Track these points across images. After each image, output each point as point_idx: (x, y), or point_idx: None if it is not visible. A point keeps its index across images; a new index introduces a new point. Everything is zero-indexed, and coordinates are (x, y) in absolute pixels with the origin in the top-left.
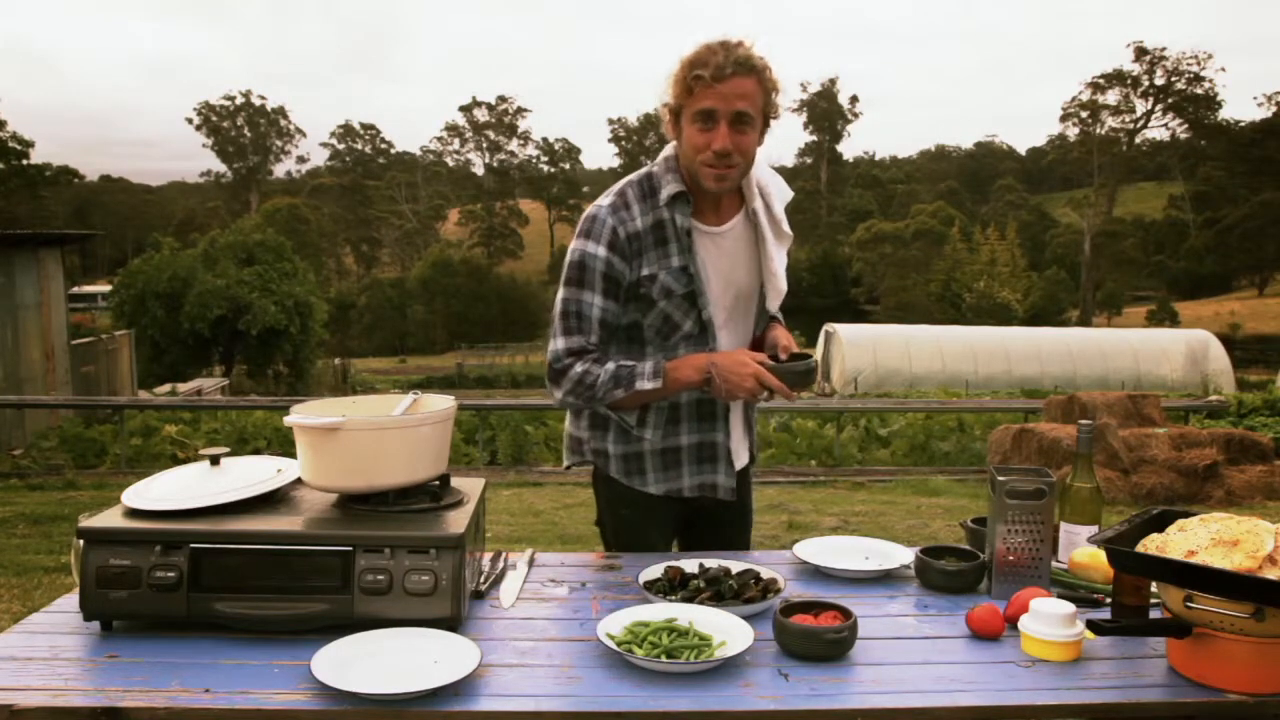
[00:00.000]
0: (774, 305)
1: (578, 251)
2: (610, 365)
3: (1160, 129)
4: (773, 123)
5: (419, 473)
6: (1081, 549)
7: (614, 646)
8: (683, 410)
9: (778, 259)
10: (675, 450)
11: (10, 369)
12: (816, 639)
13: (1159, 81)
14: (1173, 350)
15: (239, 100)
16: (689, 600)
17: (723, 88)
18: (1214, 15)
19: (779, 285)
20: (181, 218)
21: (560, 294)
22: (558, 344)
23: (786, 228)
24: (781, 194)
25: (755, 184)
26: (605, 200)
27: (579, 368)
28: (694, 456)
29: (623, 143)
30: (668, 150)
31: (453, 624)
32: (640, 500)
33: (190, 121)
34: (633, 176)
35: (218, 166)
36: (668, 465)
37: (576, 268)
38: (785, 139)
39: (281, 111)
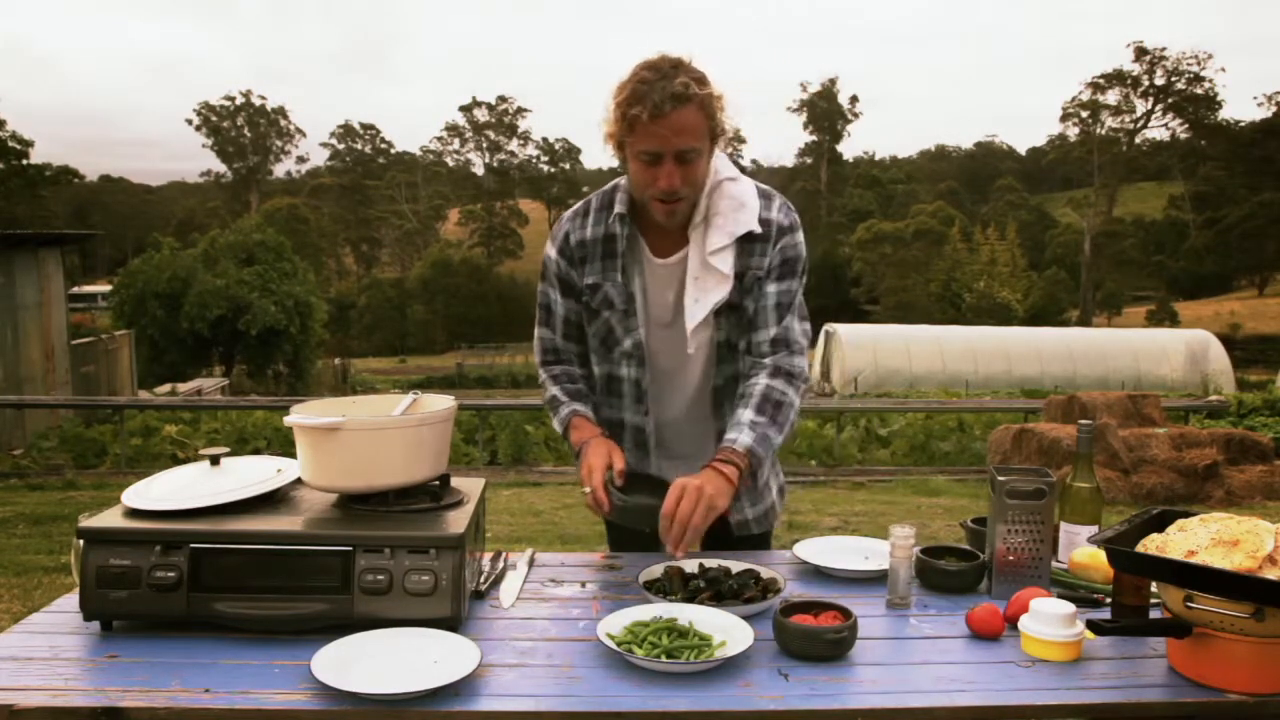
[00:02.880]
0: (690, 346)
1: (545, 251)
2: (557, 390)
3: (1160, 129)
4: (723, 137)
5: (419, 473)
6: (1081, 549)
7: (614, 646)
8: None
9: (690, 295)
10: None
11: (10, 369)
12: (816, 639)
13: (1159, 81)
14: (1173, 350)
15: (239, 100)
16: (689, 600)
17: (662, 126)
18: (1214, 15)
19: (685, 324)
20: (181, 218)
21: (539, 286)
22: (537, 330)
23: (719, 263)
24: (730, 228)
25: (702, 213)
26: (575, 205)
27: (543, 373)
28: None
29: None
30: None
31: (453, 624)
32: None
33: (190, 122)
34: (604, 188)
35: (218, 166)
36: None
37: (543, 265)
38: (785, 139)
39: (281, 111)
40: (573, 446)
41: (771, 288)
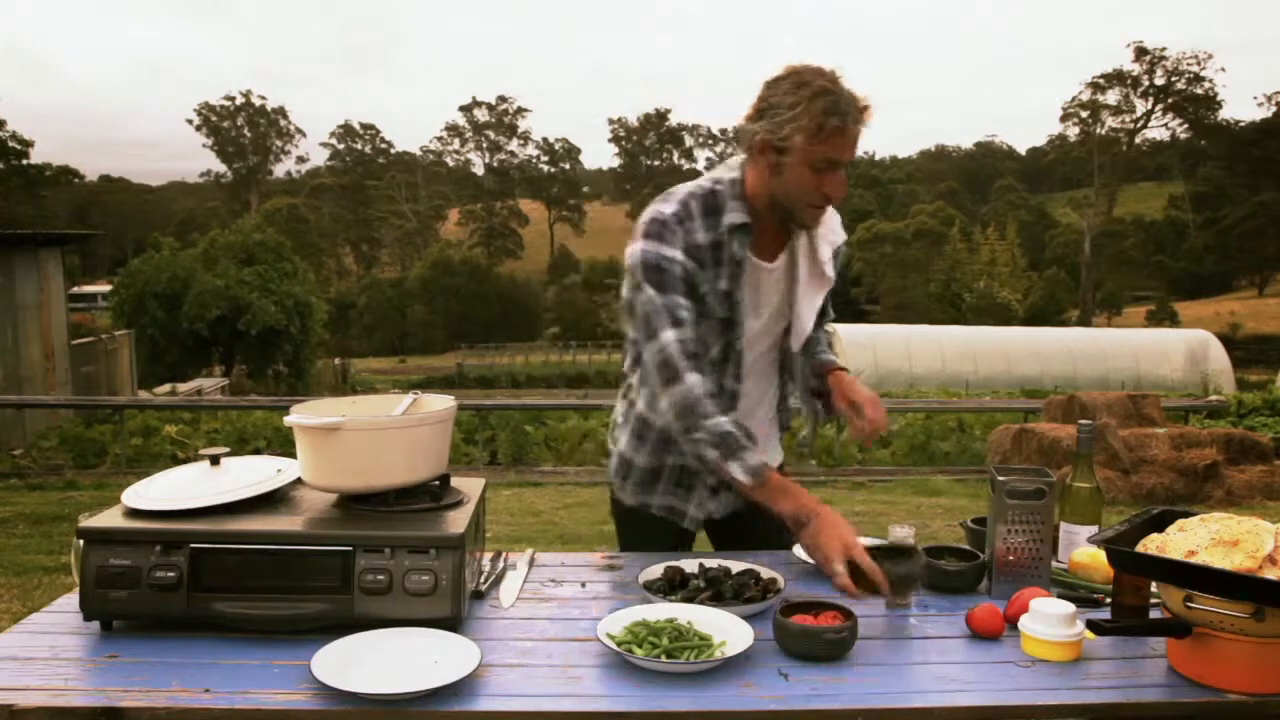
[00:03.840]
0: (795, 345)
1: (652, 255)
2: (724, 421)
3: (1160, 129)
4: None
5: (419, 473)
6: (1081, 549)
7: (614, 646)
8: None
9: (805, 300)
10: (657, 469)
11: (10, 369)
12: (816, 639)
13: (1159, 81)
14: (1173, 350)
15: (239, 100)
16: (689, 600)
17: (849, 137)
18: (1214, 15)
19: (802, 327)
20: (181, 218)
21: (641, 297)
22: (667, 333)
23: (830, 271)
24: (830, 238)
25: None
26: (669, 208)
27: (697, 390)
28: (673, 477)
29: (623, 143)
30: (732, 173)
31: (453, 624)
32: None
33: (190, 122)
34: (694, 189)
35: (218, 166)
36: (644, 480)
37: (654, 270)
38: None
39: (281, 111)
40: (767, 501)
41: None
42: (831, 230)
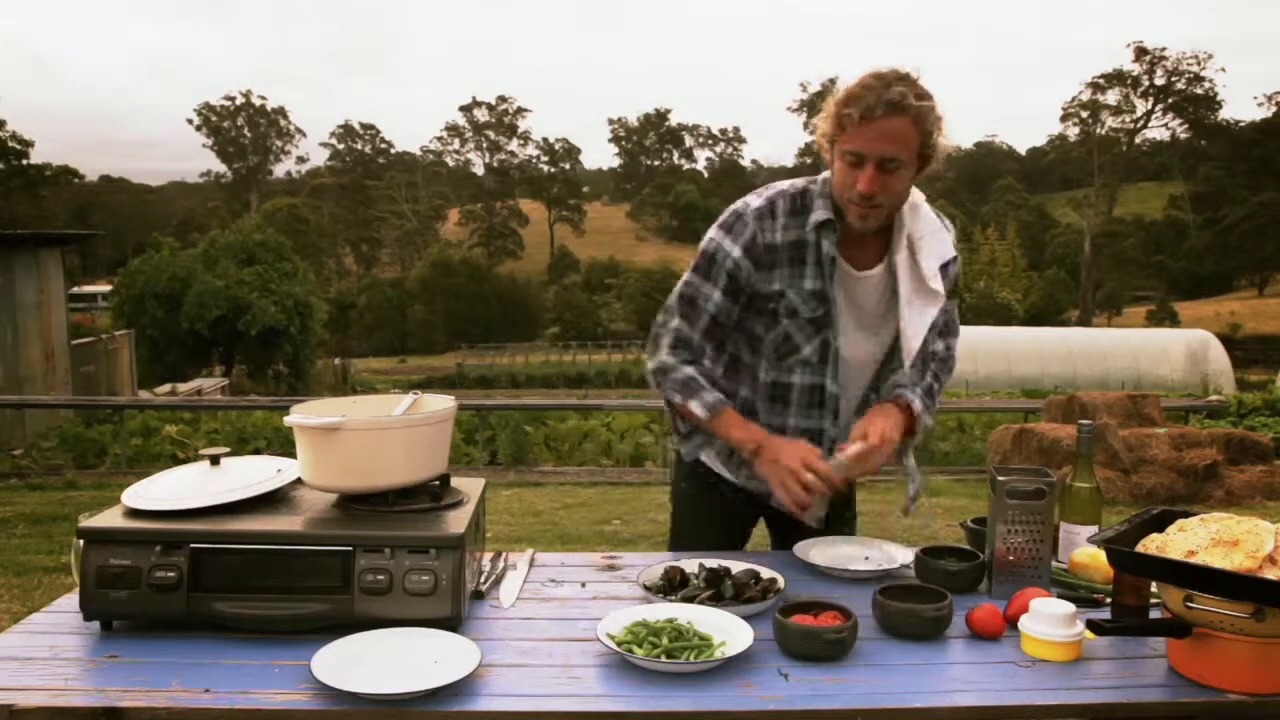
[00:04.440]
0: (906, 361)
1: (714, 243)
2: (691, 370)
3: (1160, 129)
4: (936, 161)
5: (419, 473)
6: (1081, 549)
7: (614, 646)
8: (793, 398)
9: (910, 316)
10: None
11: (10, 369)
12: (816, 639)
13: (1159, 81)
14: (1173, 350)
15: (239, 100)
16: (689, 600)
17: (870, 129)
18: (1214, 15)
19: (909, 345)
20: (181, 218)
21: (685, 277)
22: (673, 322)
23: (936, 285)
24: (938, 251)
25: (906, 234)
26: (755, 202)
27: (670, 357)
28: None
29: (623, 143)
30: (827, 172)
31: (453, 624)
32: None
33: (190, 122)
34: (786, 187)
35: (218, 166)
36: (733, 455)
37: (707, 258)
38: (786, 139)
39: (281, 111)
40: (722, 433)
41: (945, 305)
42: (939, 243)
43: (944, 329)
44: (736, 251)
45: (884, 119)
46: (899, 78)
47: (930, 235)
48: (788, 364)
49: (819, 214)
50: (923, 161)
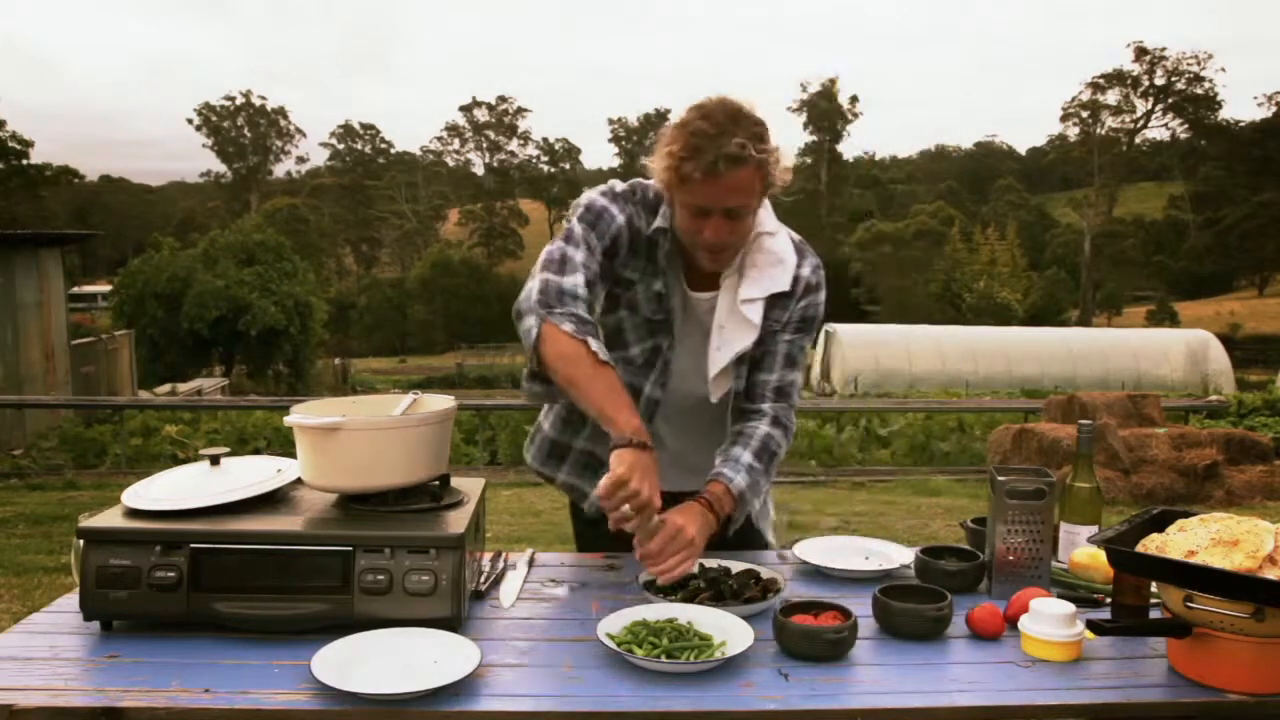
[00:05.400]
0: (713, 393)
1: (598, 204)
2: (584, 310)
3: (1160, 129)
4: (777, 185)
5: (419, 473)
6: (1081, 549)
7: (614, 646)
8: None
9: (717, 343)
10: (565, 446)
11: (10, 369)
12: (816, 639)
13: (1159, 81)
14: (1173, 350)
15: (239, 100)
16: (689, 600)
17: (713, 186)
18: (1214, 15)
19: (710, 373)
20: (181, 218)
21: (566, 226)
22: (543, 275)
23: (752, 315)
24: (765, 283)
25: (739, 261)
26: (619, 186)
27: (540, 310)
28: (580, 458)
29: (623, 143)
30: None
31: (453, 624)
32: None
33: (190, 122)
34: (645, 181)
35: (218, 166)
36: (551, 454)
37: (592, 214)
38: (785, 139)
39: (281, 111)
40: (609, 403)
41: (785, 337)
42: (771, 277)
43: (785, 361)
44: (621, 218)
45: (727, 173)
46: (732, 119)
47: (764, 266)
48: (612, 359)
49: (660, 220)
50: (761, 196)
